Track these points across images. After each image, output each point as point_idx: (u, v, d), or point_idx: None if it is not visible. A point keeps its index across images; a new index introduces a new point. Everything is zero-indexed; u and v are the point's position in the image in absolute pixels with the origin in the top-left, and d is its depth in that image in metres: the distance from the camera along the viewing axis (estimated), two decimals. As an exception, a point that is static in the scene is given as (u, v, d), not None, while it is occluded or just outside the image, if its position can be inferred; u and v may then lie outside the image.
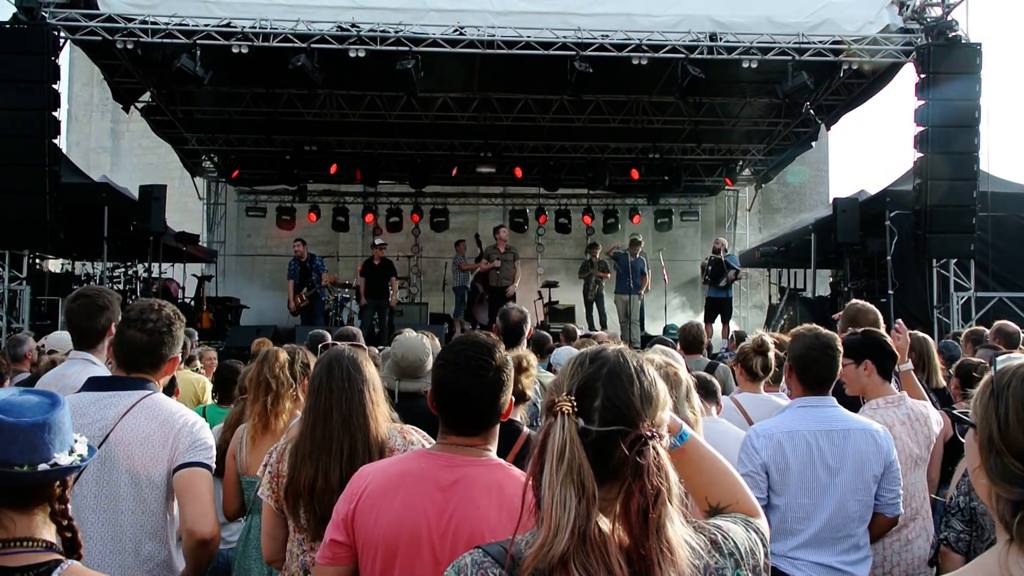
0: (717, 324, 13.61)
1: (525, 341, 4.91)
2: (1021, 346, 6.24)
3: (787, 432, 3.04)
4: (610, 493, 1.34)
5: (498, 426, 2.13)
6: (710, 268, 13.95)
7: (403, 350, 3.68)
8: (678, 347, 6.18)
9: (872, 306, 4.44)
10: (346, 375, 2.64)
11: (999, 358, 1.48)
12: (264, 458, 2.94)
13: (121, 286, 15.19)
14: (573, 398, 1.35)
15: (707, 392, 3.56)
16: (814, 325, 3.36)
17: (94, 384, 2.76)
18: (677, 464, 1.40)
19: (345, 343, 3.16)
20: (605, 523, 1.31)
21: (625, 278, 14.11)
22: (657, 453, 1.33)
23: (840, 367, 3.20)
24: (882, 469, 3.07)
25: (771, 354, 4.06)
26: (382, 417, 2.65)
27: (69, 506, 1.72)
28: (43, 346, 6.62)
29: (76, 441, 1.74)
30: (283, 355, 3.60)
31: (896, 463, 3.10)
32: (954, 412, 3.99)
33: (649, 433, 1.34)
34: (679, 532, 1.33)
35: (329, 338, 5.91)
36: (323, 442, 2.58)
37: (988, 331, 6.64)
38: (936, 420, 3.63)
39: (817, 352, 3.14)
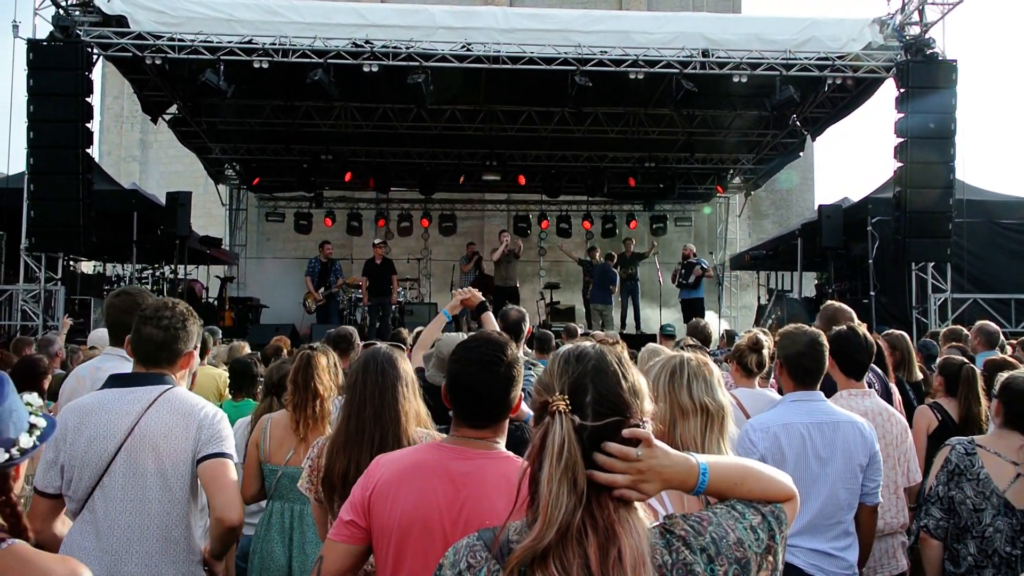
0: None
1: (524, 340, 4.86)
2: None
3: (782, 425, 3.04)
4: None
5: (508, 420, 2.13)
6: (683, 271, 14.04)
7: (448, 348, 3.63)
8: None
9: (847, 306, 4.43)
10: (380, 370, 2.62)
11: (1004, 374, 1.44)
12: (308, 451, 2.93)
13: (149, 287, 15.19)
14: (566, 396, 1.34)
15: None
16: (801, 324, 3.36)
17: (116, 381, 2.74)
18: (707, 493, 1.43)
19: (385, 343, 3.11)
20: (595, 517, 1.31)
21: (600, 286, 14.22)
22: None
23: (827, 362, 3.20)
24: (867, 459, 3.05)
25: (765, 351, 4.04)
26: (413, 412, 2.63)
27: (12, 495, 1.67)
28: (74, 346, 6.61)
29: (29, 427, 1.67)
30: (323, 359, 3.56)
31: (879, 454, 3.09)
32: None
33: (642, 422, 1.35)
34: (640, 515, 1.34)
35: (355, 334, 5.86)
36: (356, 434, 2.56)
37: (966, 330, 6.62)
38: (899, 420, 3.59)
39: (805, 347, 3.14)
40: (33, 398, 1.77)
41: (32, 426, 1.71)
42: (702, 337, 6.29)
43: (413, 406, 2.63)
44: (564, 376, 1.38)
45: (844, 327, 3.56)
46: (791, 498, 1.51)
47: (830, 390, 3.38)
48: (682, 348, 3.38)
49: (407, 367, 2.70)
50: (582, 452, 1.31)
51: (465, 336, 3.71)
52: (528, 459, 1.35)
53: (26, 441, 1.67)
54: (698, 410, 2.18)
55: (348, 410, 2.62)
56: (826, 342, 3.20)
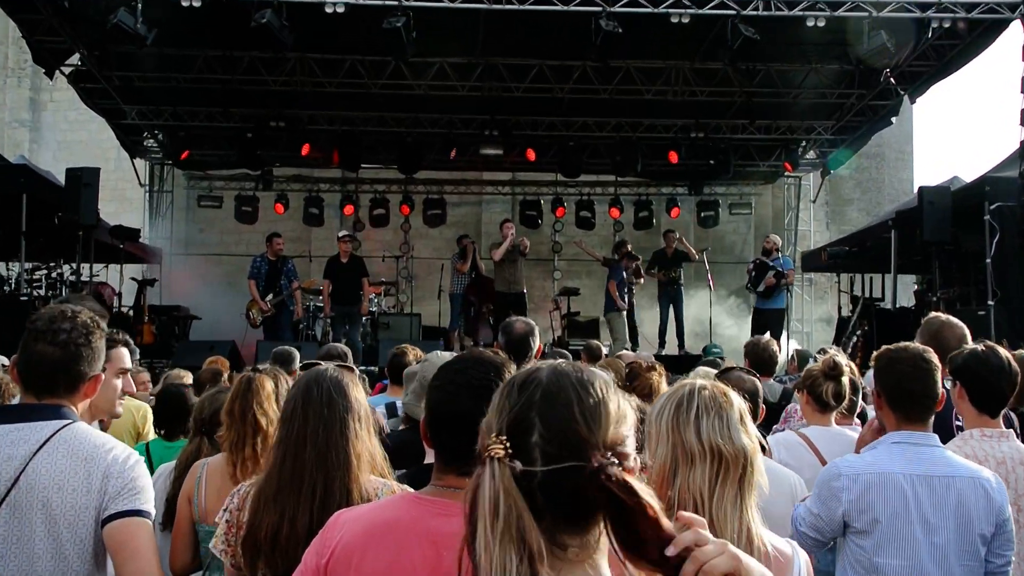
0: None
1: (533, 359, 4.82)
2: None
3: (878, 474, 3.01)
4: (592, 534, 1.38)
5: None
6: (754, 273, 13.93)
7: (434, 370, 3.59)
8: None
9: (958, 320, 4.38)
10: (326, 400, 2.62)
11: None
12: (224, 502, 2.92)
13: (43, 292, 15.20)
14: (504, 438, 1.36)
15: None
16: (906, 343, 3.32)
17: None
18: None
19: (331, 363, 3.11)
20: None
21: (608, 291, 14.38)
22: (621, 479, 1.32)
23: (940, 388, 3.15)
24: (993, 528, 3.02)
25: (845, 379, 4.02)
26: (367, 456, 2.63)
27: None
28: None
29: None
30: (269, 384, 3.58)
31: (1010, 521, 3.06)
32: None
33: (605, 461, 1.33)
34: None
35: (297, 356, 5.87)
36: (292, 481, 2.57)
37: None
38: None
39: (907, 366, 3.12)
40: None
41: None
42: (763, 359, 6.20)
43: (367, 447, 2.64)
44: (504, 412, 1.41)
45: (980, 346, 3.52)
46: None
47: (939, 429, 3.34)
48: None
49: (360, 396, 2.71)
50: (531, 504, 1.32)
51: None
52: (464, 520, 1.37)
53: None
54: (707, 454, 2.17)
55: (283, 449, 2.62)
56: (937, 362, 3.16)
